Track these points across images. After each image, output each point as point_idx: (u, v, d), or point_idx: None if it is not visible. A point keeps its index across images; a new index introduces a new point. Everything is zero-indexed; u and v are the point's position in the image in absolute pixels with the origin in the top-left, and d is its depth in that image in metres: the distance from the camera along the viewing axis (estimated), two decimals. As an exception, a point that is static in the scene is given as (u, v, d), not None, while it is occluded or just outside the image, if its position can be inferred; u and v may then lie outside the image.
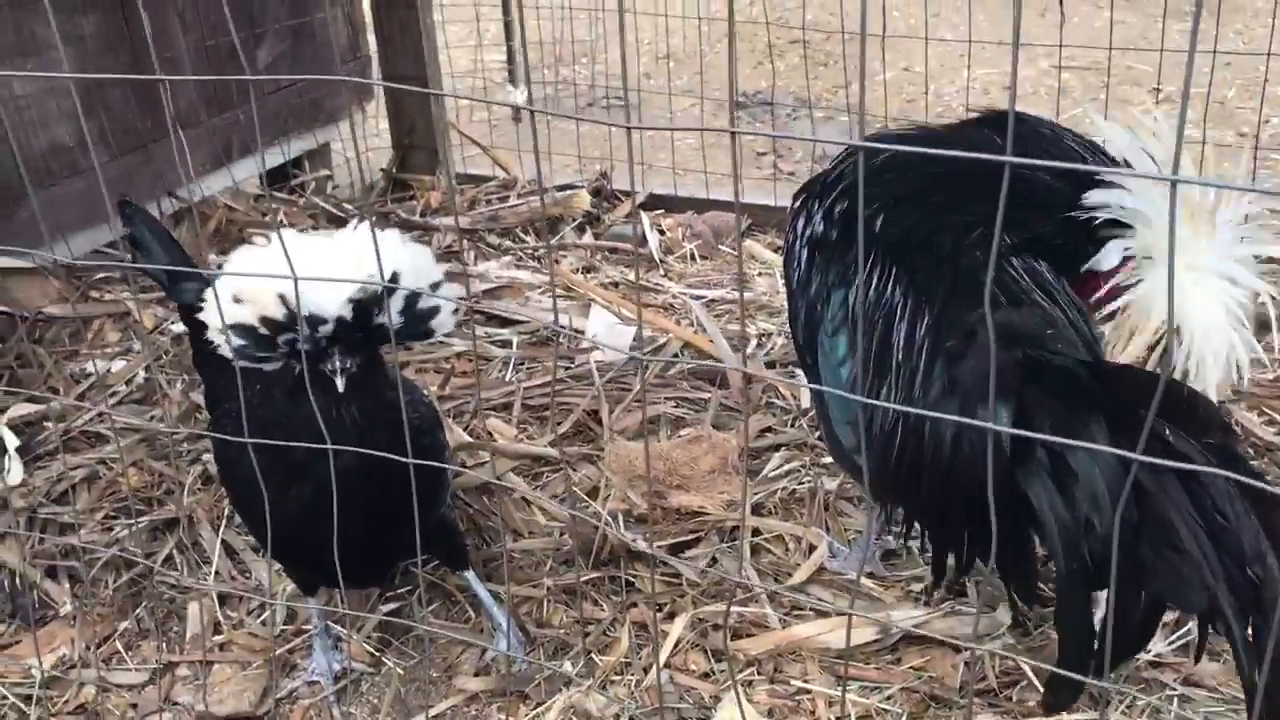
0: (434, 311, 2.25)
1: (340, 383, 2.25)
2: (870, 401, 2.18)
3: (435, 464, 2.18)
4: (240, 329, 2.18)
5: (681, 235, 4.84)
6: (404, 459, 2.02)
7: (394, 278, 2.12)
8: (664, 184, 5.27)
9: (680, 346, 3.94)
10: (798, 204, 2.71)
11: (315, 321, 2.16)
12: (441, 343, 3.80)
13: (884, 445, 2.40)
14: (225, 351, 2.21)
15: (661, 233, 4.88)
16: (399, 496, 2.26)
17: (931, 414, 1.62)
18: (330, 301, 2.14)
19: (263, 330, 2.17)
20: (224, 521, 3.23)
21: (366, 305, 2.16)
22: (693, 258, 4.70)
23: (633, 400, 3.64)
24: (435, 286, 2.25)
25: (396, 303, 2.20)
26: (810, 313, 2.59)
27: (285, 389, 2.37)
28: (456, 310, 2.24)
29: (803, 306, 2.61)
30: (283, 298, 2.13)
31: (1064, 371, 2.18)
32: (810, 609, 2.85)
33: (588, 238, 4.91)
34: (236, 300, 2.17)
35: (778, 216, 4.76)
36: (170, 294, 2.96)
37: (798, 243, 2.63)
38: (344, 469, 2.16)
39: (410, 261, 2.19)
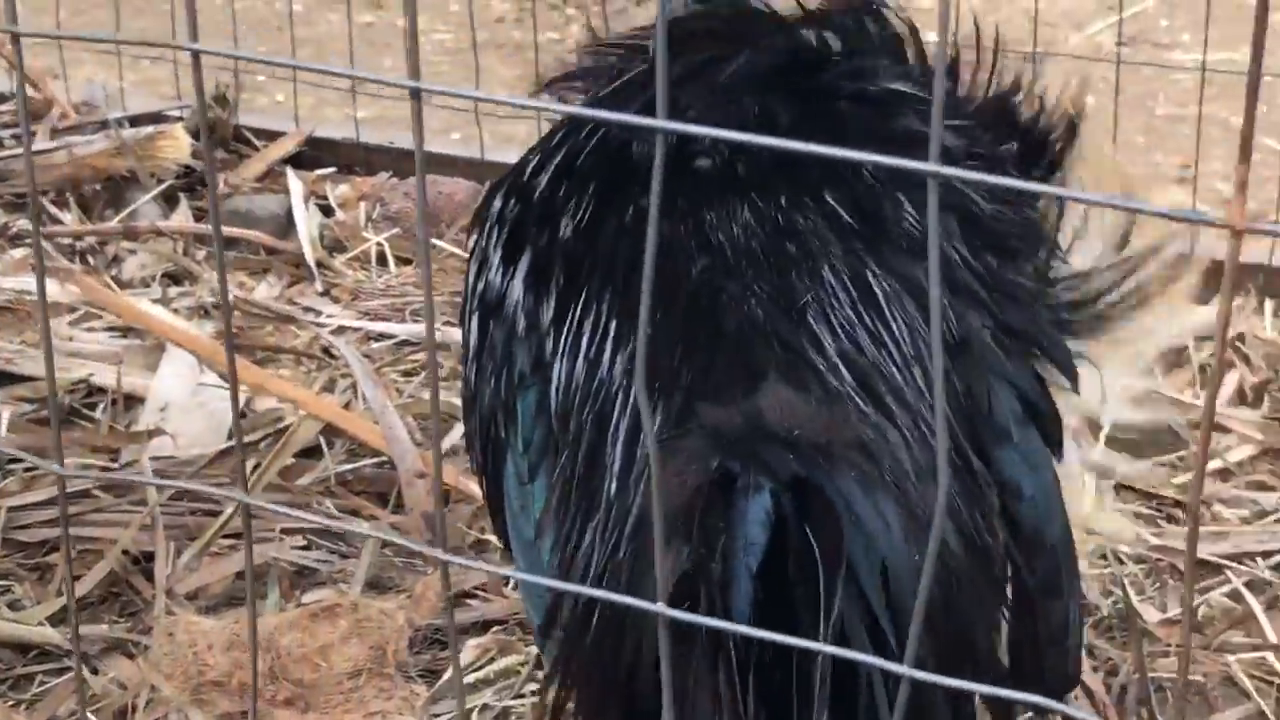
0: None
1: None
2: (559, 585, 1.72)
3: None
4: None
5: (365, 217, 3.86)
6: None
7: None
8: (337, 121, 4.11)
9: (316, 430, 3.06)
10: (474, 222, 2.20)
11: None
12: None
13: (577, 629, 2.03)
14: None
15: (327, 212, 3.92)
16: None
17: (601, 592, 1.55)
18: None
19: None
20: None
21: None
22: (382, 260, 3.75)
23: (218, 533, 2.83)
24: None
25: None
26: (487, 435, 2.06)
27: None
28: None
29: (476, 424, 2.11)
30: None
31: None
32: None
33: (181, 214, 3.82)
34: None
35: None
36: None
37: (467, 306, 2.16)
38: None
39: None
